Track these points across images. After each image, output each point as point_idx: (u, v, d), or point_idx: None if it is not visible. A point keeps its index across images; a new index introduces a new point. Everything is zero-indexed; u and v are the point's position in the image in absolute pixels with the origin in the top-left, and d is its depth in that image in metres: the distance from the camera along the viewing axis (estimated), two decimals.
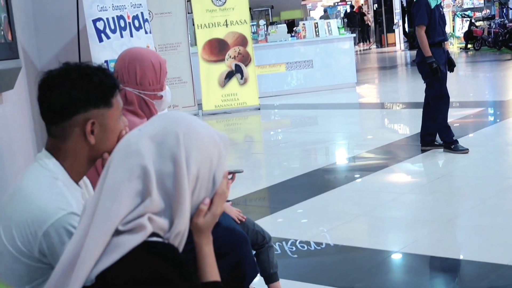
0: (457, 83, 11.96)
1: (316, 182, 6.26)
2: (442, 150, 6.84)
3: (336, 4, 41.74)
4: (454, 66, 6.96)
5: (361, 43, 28.95)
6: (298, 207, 5.34)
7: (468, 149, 6.70)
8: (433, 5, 6.76)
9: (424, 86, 6.98)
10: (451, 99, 6.94)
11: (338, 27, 13.44)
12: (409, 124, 9.21)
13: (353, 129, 9.49)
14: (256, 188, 6.08)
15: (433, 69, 6.61)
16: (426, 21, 6.68)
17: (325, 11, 29.99)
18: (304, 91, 13.07)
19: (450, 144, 6.80)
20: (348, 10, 31.53)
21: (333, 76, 13.33)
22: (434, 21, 6.73)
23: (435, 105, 6.83)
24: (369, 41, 29.65)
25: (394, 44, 26.17)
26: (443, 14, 6.97)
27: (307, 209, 5.30)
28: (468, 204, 5.11)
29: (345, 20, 28.99)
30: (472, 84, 12.90)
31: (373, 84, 14.71)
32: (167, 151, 1.53)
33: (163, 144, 1.54)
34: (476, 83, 13.08)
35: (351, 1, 38.58)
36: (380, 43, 27.34)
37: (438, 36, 6.76)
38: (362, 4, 31.48)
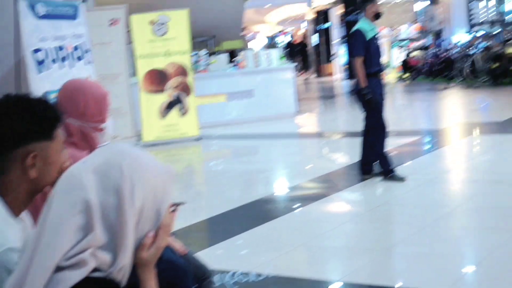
0: (394, 112, 12.20)
1: (257, 213, 6.28)
2: (380, 178, 6.96)
3: (276, 34, 42.23)
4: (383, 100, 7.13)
5: (302, 73, 29.31)
6: (238, 238, 5.34)
7: (405, 177, 6.84)
8: (369, 36, 6.92)
9: (362, 115, 7.12)
10: (388, 128, 7.09)
11: (279, 57, 13.59)
12: (348, 153, 9.32)
13: (293, 158, 9.58)
14: (196, 220, 6.05)
15: (368, 100, 6.77)
16: (362, 52, 6.83)
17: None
18: (244, 121, 13.13)
19: (388, 173, 6.92)
20: (288, 40, 31.96)
21: (274, 106, 13.44)
22: (371, 52, 6.89)
23: (374, 134, 6.97)
24: (309, 71, 30.05)
25: (332, 74, 26.60)
26: (379, 44, 7.15)
27: (248, 240, 5.31)
28: (407, 232, 5.19)
29: (287, 50, 29.41)
30: (409, 113, 13.20)
31: (313, 113, 14.89)
32: (111, 184, 1.53)
33: (106, 177, 1.53)
34: (413, 112, 13.40)
35: (290, 32, 39.12)
36: (319, 73, 27.74)
37: (374, 66, 6.92)
38: (300, 35, 31.94)
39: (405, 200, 6.32)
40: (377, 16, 7.03)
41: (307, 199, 6.57)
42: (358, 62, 6.82)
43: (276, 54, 13.60)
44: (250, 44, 29.32)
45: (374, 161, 7.07)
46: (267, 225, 5.69)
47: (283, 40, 39.30)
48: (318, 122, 13.73)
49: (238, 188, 7.65)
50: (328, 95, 19.53)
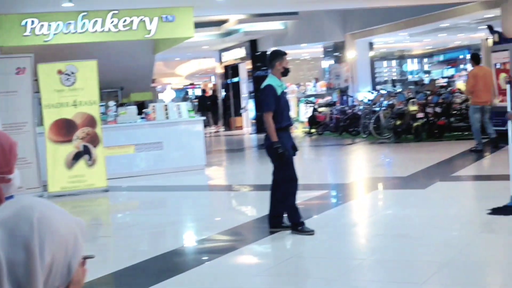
0: (301, 166, 12.38)
1: (165, 266, 6.19)
2: (290, 231, 7.02)
3: (186, 87, 42.42)
4: (297, 150, 7.26)
5: (213, 126, 29.50)
6: None
7: (314, 230, 6.91)
8: (279, 92, 7.05)
9: (271, 168, 7.19)
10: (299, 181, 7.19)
11: (188, 110, 13.63)
12: (256, 206, 9.38)
13: (202, 211, 9.54)
14: (103, 273, 5.90)
15: (280, 154, 6.86)
16: (273, 107, 6.93)
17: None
18: (153, 173, 13.02)
19: (298, 226, 6.98)
20: (198, 94, 32.16)
21: (183, 158, 13.42)
22: (281, 107, 7.02)
23: (285, 187, 7.04)
24: (218, 124, 30.24)
25: (241, 127, 26.86)
26: (288, 100, 7.30)
27: None
28: (315, 285, 5.23)
29: (196, 103, 29.57)
30: (316, 167, 13.44)
31: (222, 166, 14.95)
32: (19, 239, 1.47)
33: (15, 231, 1.48)
34: (319, 166, 13.65)
35: (199, 85, 39.41)
36: (228, 126, 27.95)
37: (285, 121, 7.05)
38: (211, 88, 32.20)
39: (314, 253, 6.39)
40: (285, 72, 7.17)
41: (216, 252, 6.54)
42: (269, 117, 6.91)
43: (185, 106, 13.63)
44: (160, 96, 29.28)
45: (283, 213, 7.13)
46: (176, 279, 5.61)
47: (192, 93, 39.56)
48: (227, 175, 13.77)
49: (147, 241, 7.54)
50: (237, 148, 19.66)
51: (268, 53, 7.35)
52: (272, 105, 6.94)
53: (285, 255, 6.34)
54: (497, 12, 16.11)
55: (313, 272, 5.74)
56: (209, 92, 31.15)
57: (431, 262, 5.58)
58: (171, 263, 6.34)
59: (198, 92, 35.37)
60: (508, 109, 7.78)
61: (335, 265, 5.82)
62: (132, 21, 12.54)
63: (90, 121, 11.43)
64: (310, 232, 6.88)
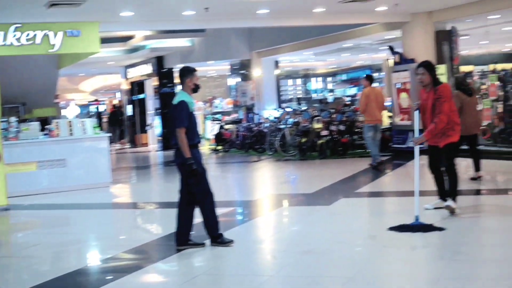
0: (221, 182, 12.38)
1: (69, 286, 6.03)
2: (198, 248, 7.00)
3: (90, 103, 41.69)
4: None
5: (117, 143, 29.08)
6: None
7: (233, 240, 7.09)
8: (191, 108, 7.04)
9: (177, 185, 7.16)
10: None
11: (94, 127, 13.38)
12: (162, 224, 9.31)
13: (107, 229, 9.35)
14: None
15: (193, 170, 6.88)
16: (186, 123, 6.93)
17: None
18: (57, 191, 12.70)
19: (217, 238, 7.10)
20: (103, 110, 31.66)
21: (87, 176, 13.15)
22: (192, 124, 7.02)
23: (203, 202, 7.10)
24: (124, 140, 29.85)
25: (147, 144, 26.60)
26: (195, 117, 7.31)
27: None
28: None
29: (101, 119, 29.12)
30: (222, 184, 13.41)
31: (128, 183, 14.74)
32: None
33: None
34: (226, 183, 13.63)
35: (104, 101, 38.83)
36: (134, 143, 27.61)
37: (196, 137, 7.07)
38: (116, 105, 31.77)
39: (222, 271, 6.39)
40: (195, 89, 7.18)
41: (121, 271, 6.42)
42: (182, 133, 6.91)
43: (90, 123, 13.38)
44: (63, 112, 28.63)
45: (190, 231, 7.11)
46: None
47: (97, 109, 38.92)
48: (132, 192, 13.57)
49: (49, 261, 7.32)
50: (143, 166, 19.45)
51: (179, 69, 7.33)
52: (185, 121, 6.94)
53: (192, 273, 6.30)
54: (397, 34, 16.68)
55: None
56: (114, 109, 30.70)
57: (336, 277, 5.68)
58: (75, 283, 6.18)
59: (103, 109, 34.78)
60: (416, 135, 8.02)
61: (243, 282, 5.82)
62: (35, 35, 12.22)
63: None
64: (229, 243, 7.05)
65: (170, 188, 12.85)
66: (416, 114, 8.07)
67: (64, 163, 12.98)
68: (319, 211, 9.24)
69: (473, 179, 10.69)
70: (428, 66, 8.04)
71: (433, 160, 8.22)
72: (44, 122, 15.33)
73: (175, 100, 7.09)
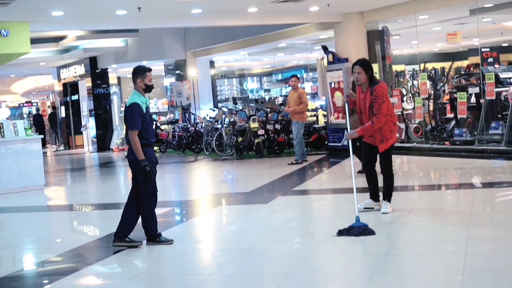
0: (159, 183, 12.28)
1: None
2: (135, 248, 6.96)
3: (22, 105, 40.82)
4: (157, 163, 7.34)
5: (53, 145, 28.57)
6: None
7: (172, 239, 7.13)
8: (144, 108, 7.00)
9: (112, 187, 7.11)
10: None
11: (25, 128, 13.10)
12: (99, 226, 9.20)
13: (41, 232, 9.15)
14: None
15: (147, 172, 6.94)
16: (139, 125, 6.93)
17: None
18: None
19: (156, 238, 7.12)
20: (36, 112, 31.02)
21: (20, 178, 12.88)
22: (147, 124, 7.00)
23: (146, 203, 7.12)
24: (58, 143, 29.38)
25: (82, 146, 26.21)
26: (151, 115, 7.24)
27: None
28: None
29: (34, 121, 28.55)
30: (159, 185, 13.27)
31: (62, 185, 14.48)
32: None
33: None
34: (163, 184, 13.53)
35: (37, 103, 38.07)
36: (68, 145, 27.18)
37: (151, 137, 7.08)
38: (48, 106, 31.22)
39: (160, 271, 6.35)
40: (147, 89, 7.11)
41: (57, 274, 6.32)
42: (135, 135, 6.91)
43: (22, 125, 13.09)
44: None
45: (131, 229, 7.09)
46: None
47: (30, 111, 38.15)
48: (67, 194, 13.33)
49: None
50: (77, 167, 19.16)
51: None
52: (138, 123, 6.94)
53: (131, 274, 6.23)
54: (331, 34, 16.89)
55: None
56: (47, 110, 30.16)
57: (274, 274, 5.72)
58: None
59: (36, 111, 34.05)
60: (348, 130, 8.00)
61: (182, 282, 5.81)
62: None
63: None
64: (168, 242, 7.07)
65: (105, 190, 12.74)
66: (346, 107, 8.05)
67: None
68: (256, 210, 9.28)
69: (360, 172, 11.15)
70: (364, 65, 7.81)
71: (369, 160, 8.06)
72: None
73: (128, 102, 7.10)
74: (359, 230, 6.86)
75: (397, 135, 8.49)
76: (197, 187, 12.94)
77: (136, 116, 6.91)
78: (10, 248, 7.97)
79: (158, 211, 7.66)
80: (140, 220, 7.22)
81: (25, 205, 11.56)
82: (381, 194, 8.11)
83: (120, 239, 7.09)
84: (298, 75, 14.77)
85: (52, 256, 7.25)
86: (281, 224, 8.08)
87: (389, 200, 7.98)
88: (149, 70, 7.18)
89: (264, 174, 13.07)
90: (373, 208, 8.08)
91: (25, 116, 36.62)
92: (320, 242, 6.87)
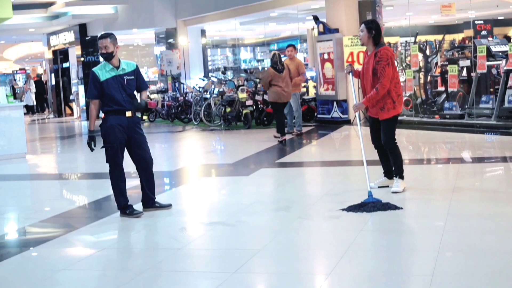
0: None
1: None
2: (111, 220, 6.94)
3: (16, 72, 40.44)
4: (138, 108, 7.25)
5: (40, 113, 28.32)
6: None
7: (143, 212, 7.03)
8: (103, 77, 6.86)
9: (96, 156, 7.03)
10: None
11: (7, 95, 12.84)
12: (79, 194, 9.04)
13: (19, 201, 8.95)
14: None
15: (88, 143, 7.08)
16: (95, 93, 6.91)
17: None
18: None
19: (125, 209, 7.01)
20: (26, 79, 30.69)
21: (1, 146, 12.66)
22: (108, 92, 6.86)
23: (109, 171, 7.12)
24: (47, 110, 29.12)
25: (72, 114, 25.98)
26: (128, 83, 6.98)
27: None
28: (119, 278, 4.99)
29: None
30: (156, 154, 13.09)
31: (46, 154, 14.26)
32: None
33: None
34: (152, 153, 13.30)
35: (29, 70, 37.70)
36: (58, 113, 26.91)
37: (115, 104, 6.91)
38: (40, 74, 30.88)
39: (127, 244, 6.22)
40: (103, 56, 6.92)
41: (25, 245, 6.15)
42: (91, 104, 6.98)
43: (3, 92, 12.83)
44: None
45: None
46: None
47: (23, 78, 37.78)
48: (49, 163, 13.10)
49: None
50: (65, 136, 18.95)
51: None
52: (92, 91, 6.93)
53: (98, 247, 6.02)
54: (322, 4, 16.56)
55: (120, 264, 5.51)
56: (36, 78, 29.83)
57: (245, 250, 5.53)
58: None
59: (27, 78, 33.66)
60: (354, 100, 7.56)
61: (149, 256, 5.64)
62: None
63: None
64: (138, 214, 6.96)
65: (89, 158, 12.51)
66: (350, 78, 7.50)
67: None
68: (236, 182, 9.09)
69: (280, 142, 12.56)
70: (368, 23, 7.24)
71: (375, 134, 7.48)
72: None
73: None
74: (374, 206, 6.56)
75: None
76: (180, 157, 12.73)
77: (90, 85, 6.96)
78: None
79: (135, 181, 7.51)
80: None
81: (5, 174, 11.34)
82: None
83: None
84: (295, 45, 14.35)
85: (23, 226, 7.10)
86: (259, 197, 7.88)
87: (401, 177, 7.40)
88: (100, 37, 7.00)
89: (250, 146, 12.86)
90: (388, 186, 7.55)
91: (18, 83, 36.22)
92: (296, 216, 6.67)
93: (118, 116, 6.95)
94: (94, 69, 6.99)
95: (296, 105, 13.79)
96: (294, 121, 13.99)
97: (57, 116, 26.82)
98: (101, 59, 7.28)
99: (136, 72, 7.11)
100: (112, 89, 6.88)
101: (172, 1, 21.79)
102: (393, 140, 7.38)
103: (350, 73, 7.50)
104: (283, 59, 13.34)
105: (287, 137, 13.08)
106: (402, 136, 13.19)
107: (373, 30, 7.20)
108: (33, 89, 28.63)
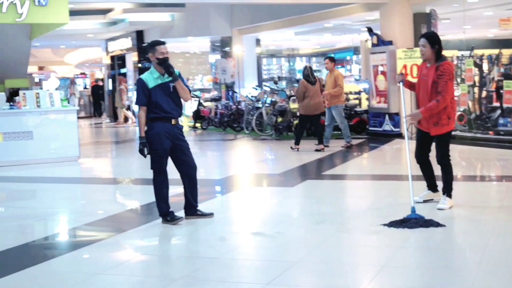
0: None
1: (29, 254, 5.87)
2: (154, 225, 7.04)
3: (76, 76, 41.26)
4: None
5: (97, 117, 28.86)
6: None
7: (183, 218, 7.08)
8: (152, 84, 6.92)
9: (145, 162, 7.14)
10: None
11: (61, 99, 13.10)
12: (127, 199, 9.16)
13: (70, 203, 9.10)
14: None
15: (140, 150, 6.99)
16: (144, 100, 6.95)
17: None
18: (22, 163, 12.50)
19: (166, 216, 7.07)
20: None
21: (55, 149, 12.93)
22: (155, 99, 6.92)
23: (153, 178, 7.15)
24: (103, 115, 29.60)
25: (127, 119, 26.31)
26: (174, 91, 7.05)
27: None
28: (155, 286, 5.03)
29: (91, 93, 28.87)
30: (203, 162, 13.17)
31: (98, 158, 14.48)
32: None
33: None
34: (197, 161, 13.36)
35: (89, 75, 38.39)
36: (114, 118, 27.32)
37: (162, 112, 6.96)
38: (98, 79, 31.44)
39: (164, 251, 6.26)
40: (160, 63, 6.99)
41: (78, 244, 6.26)
42: (140, 110, 6.99)
43: (58, 95, 13.10)
44: (44, 84, 28.33)
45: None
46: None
47: (83, 83, 38.54)
48: (100, 167, 13.30)
49: (10, 233, 7.14)
50: (120, 141, 19.23)
51: None
52: (140, 98, 6.97)
53: (135, 253, 6.09)
54: (377, 15, 16.43)
55: (155, 271, 5.54)
56: (94, 83, 30.42)
57: (281, 262, 5.50)
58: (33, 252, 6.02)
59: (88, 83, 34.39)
60: (403, 113, 7.49)
61: (185, 264, 5.67)
62: (2, 3, 11.85)
63: None
64: (178, 221, 7.03)
65: (139, 164, 12.66)
66: (401, 87, 7.37)
67: (30, 135, 12.73)
68: (280, 193, 9.07)
69: (317, 150, 13.12)
70: (430, 38, 7.07)
71: (420, 149, 7.33)
72: (16, 94, 15.04)
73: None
74: (416, 222, 6.45)
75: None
76: (228, 166, 12.75)
77: (139, 92, 6.98)
78: (37, 218, 7.96)
79: (177, 188, 7.56)
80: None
81: (56, 176, 11.56)
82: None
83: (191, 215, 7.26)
84: (333, 56, 14.29)
85: (78, 226, 7.40)
86: (301, 209, 7.86)
87: (449, 195, 7.22)
88: (160, 43, 7.08)
89: (299, 156, 12.79)
90: (432, 199, 7.45)
91: (78, 87, 36.97)
92: (337, 230, 6.61)
93: (164, 123, 7.01)
94: (142, 76, 7.06)
95: (339, 117, 13.68)
96: (341, 133, 13.97)
97: (113, 121, 27.22)
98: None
99: (177, 78, 7.17)
100: (159, 97, 6.96)
101: (228, 10, 21.95)
102: (447, 156, 7.23)
103: (401, 83, 7.38)
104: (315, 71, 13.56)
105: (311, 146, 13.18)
106: (455, 152, 12.94)
107: (436, 45, 7.07)
108: (78, 94, 29.20)
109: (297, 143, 13.39)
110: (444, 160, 7.20)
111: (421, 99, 7.22)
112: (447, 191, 7.26)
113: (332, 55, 14.47)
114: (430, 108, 6.97)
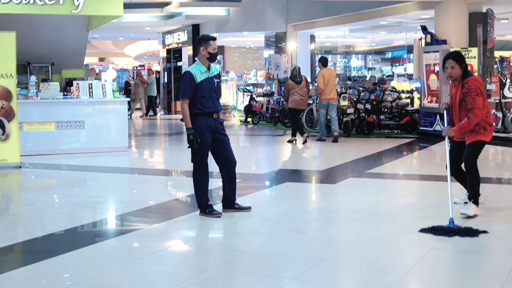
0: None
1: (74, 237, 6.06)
2: (193, 216, 7.13)
3: (135, 68, 41.88)
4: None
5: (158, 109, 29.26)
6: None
7: (221, 213, 7.15)
8: (199, 78, 6.98)
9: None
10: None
11: (113, 90, 13.36)
12: (171, 190, 9.30)
13: (118, 193, 9.31)
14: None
15: (189, 140, 6.96)
16: (189, 94, 6.96)
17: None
18: (74, 152, 12.81)
19: (205, 209, 7.14)
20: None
21: (105, 139, 13.19)
22: (201, 93, 6.97)
23: (194, 171, 7.23)
24: (158, 107, 29.97)
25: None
26: (217, 86, 7.18)
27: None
28: (186, 276, 5.12)
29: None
30: (238, 156, 13.27)
31: (144, 149, 14.70)
32: None
33: None
34: (241, 155, 13.46)
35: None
36: (169, 110, 27.69)
37: (206, 107, 7.03)
38: (154, 71, 31.83)
39: (201, 242, 6.36)
40: (211, 58, 7.08)
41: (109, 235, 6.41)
42: (184, 103, 6.98)
43: (110, 86, 13.35)
44: (103, 75, 28.89)
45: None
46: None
47: (144, 74, 39.09)
48: (148, 158, 13.52)
49: (58, 218, 7.36)
50: (173, 132, 19.48)
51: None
52: (187, 92, 6.97)
53: (171, 243, 6.20)
54: (432, 13, 16.23)
55: (186, 261, 5.65)
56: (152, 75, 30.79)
57: (310, 258, 5.53)
58: (80, 235, 6.20)
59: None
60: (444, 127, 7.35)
61: (219, 255, 5.75)
62: None
63: (6, 95, 11.10)
64: (217, 214, 7.08)
65: (178, 156, 12.83)
66: (445, 113, 7.30)
67: (82, 124, 13.02)
68: (321, 189, 9.09)
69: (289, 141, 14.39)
70: (457, 58, 6.94)
71: (454, 161, 7.15)
72: (72, 84, 15.39)
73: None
74: (454, 231, 6.25)
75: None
76: (274, 161, 12.80)
77: (186, 85, 6.97)
78: (85, 205, 8.21)
79: (216, 182, 7.64)
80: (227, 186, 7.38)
81: (103, 165, 11.80)
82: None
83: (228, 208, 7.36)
84: (324, 57, 15.53)
85: (124, 213, 7.63)
86: (339, 206, 7.84)
87: (475, 202, 7.00)
88: (213, 39, 7.15)
89: (346, 154, 12.76)
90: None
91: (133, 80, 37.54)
92: (372, 228, 6.59)
93: (206, 117, 7.08)
94: (189, 69, 7.08)
95: (320, 112, 15.16)
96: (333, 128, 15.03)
97: (167, 113, 27.57)
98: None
99: (220, 76, 7.28)
100: (205, 91, 7.02)
101: (283, 6, 21.98)
102: (475, 160, 7.04)
103: (445, 111, 7.31)
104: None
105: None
106: (507, 154, 12.74)
107: (463, 63, 6.99)
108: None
109: (302, 133, 14.43)
110: (471, 161, 7.01)
111: (454, 118, 7.13)
112: (473, 196, 7.05)
113: (326, 56, 15.81)
114: (462, 126, 6.87)
